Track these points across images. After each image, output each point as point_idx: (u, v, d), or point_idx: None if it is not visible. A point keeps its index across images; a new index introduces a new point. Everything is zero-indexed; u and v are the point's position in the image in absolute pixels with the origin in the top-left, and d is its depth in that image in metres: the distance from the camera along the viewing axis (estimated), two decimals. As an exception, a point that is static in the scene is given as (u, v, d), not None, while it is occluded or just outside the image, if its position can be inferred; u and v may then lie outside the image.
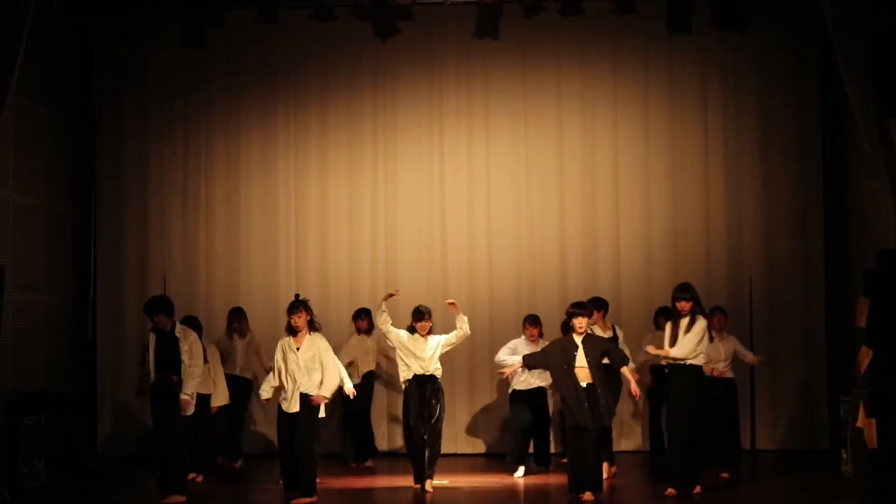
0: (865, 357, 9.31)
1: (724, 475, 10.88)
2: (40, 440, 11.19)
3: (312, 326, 10.08)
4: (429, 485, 10.47)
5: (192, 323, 11.00)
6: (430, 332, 10.59)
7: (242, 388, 12.31)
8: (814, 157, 13.30)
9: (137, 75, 13.71)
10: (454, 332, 10.61)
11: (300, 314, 9.99)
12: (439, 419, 10.51)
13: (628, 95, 13.49)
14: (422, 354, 10.47)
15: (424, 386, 10.47)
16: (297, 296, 10.25)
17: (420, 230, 13.53)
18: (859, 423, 9.29)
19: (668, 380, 10.14)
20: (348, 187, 13.61)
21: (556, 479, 11.13)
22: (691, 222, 13.36)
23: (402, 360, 10.56)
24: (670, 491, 9.83)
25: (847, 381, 11.34)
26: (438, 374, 10.55)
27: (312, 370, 9.92)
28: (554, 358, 9.98)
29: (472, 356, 13.30)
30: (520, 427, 11.60)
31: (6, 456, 10.55)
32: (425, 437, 10.40)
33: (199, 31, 13.53)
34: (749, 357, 11.62)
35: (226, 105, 13.70)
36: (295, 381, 9.88)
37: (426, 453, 10.43)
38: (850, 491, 9.88)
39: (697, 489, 9.83)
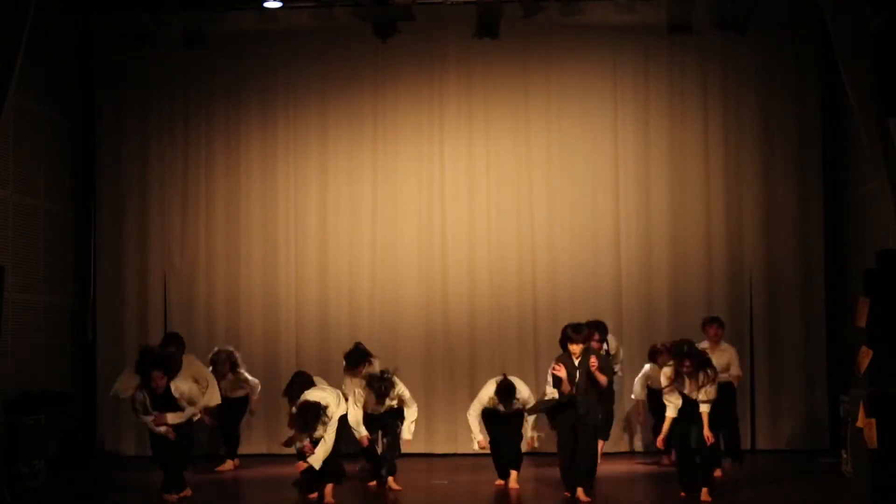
0: (865, 357, 9.31)
1: (717, 473, 10.87)
2: (40, 440, 11.19)
3: None
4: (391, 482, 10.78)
5: (176, 340, 11.05)
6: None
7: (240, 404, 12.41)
8: (814, 157, 13.30)
9: (137, 75, 13.71)
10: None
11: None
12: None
13: (628, 95, 13.48)
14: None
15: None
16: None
17: (420, 230, 13.52)
18: (859, 423, 9.29)
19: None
20: (348, 187, 13.61)
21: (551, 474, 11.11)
22: (691, 222, 13.36)
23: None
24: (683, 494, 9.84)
25: (847, 381, 11.34)
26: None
27: None
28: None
29: (474, 356, 13.30)
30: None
31: (6, 456, 10.56)
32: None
33: (199, 31, 13.54)
34: (733, 373, 11.36)
35: (226, 105, 13.71)
36: None
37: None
38: (850, 491, 9.88)
39: (705, 493, 9.77)
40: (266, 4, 13.33)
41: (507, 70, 13.53)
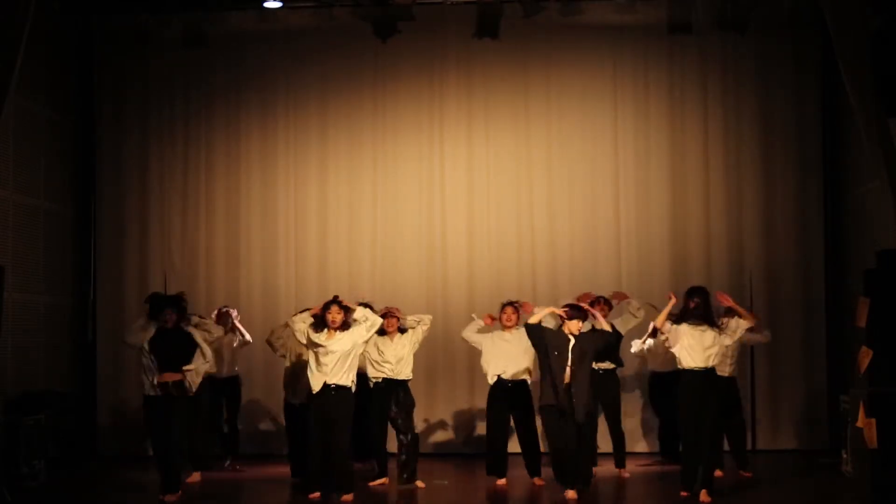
0: (865, 357, 9.32)
1: (719, 473, 10.82)
2: (40, 440, 11.19)
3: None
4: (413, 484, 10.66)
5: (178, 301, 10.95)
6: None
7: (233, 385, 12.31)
8: (814, 157, 13.30)
9: (137, 75, 13.72)
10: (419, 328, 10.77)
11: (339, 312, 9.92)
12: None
13: (628, 95, 13.48)
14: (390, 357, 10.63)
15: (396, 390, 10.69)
16: (335, 297, 10.15)
17: (420, 230, 13.52)
18: (859, 423, 9.30)
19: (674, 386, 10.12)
20: (348, 187, 13.61)
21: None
22: (691, 222, 13.36)
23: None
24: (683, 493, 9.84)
25: (847, 381, 11.34)
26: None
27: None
28: (550, 341, 9.93)
29: (473, 356, 13.27)
30: (497, 429, 10.82)
31: (6, 456, 10.55)
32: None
33: (199, 31, 13.55)
34: (756, 337, 11.20)
35: (226, 105, 13.71)
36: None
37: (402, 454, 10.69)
38: (850, 491, 9.88)
39: (704, 494, 9.72)
40: (266, 4, 13.34)
41: (507, 70, 13.53)
